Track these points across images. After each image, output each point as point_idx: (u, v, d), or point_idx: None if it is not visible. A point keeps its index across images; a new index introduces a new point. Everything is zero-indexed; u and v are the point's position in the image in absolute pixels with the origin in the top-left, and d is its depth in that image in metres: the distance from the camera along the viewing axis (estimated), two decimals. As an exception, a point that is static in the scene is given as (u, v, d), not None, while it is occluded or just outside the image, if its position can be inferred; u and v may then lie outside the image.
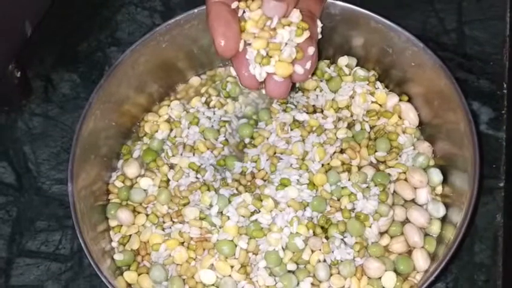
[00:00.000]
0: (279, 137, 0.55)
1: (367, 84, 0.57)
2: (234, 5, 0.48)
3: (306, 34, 0.49)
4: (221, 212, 0.52)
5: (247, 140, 0.56)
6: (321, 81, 0.58)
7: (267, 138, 0.56)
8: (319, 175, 0.53)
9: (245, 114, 0.57)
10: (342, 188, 0.53)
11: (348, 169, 0.54)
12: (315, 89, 0.58)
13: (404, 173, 0.55)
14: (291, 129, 0.55)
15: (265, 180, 0.54)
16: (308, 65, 0.49)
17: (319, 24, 0.51)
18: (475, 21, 0.64)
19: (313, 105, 0.57)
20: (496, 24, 0.64)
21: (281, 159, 0.54)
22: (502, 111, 0.60)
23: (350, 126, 0.56)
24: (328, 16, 0.55)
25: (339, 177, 0.53)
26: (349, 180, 0.53)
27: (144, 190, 0.55)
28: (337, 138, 0.55)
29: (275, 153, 0.55)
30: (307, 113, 0.56)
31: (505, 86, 0.61)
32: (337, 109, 0.57)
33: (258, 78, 0.49)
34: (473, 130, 0.51)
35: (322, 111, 0.57)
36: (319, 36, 0.51)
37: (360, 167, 0.55)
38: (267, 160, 0.54)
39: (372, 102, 0.57)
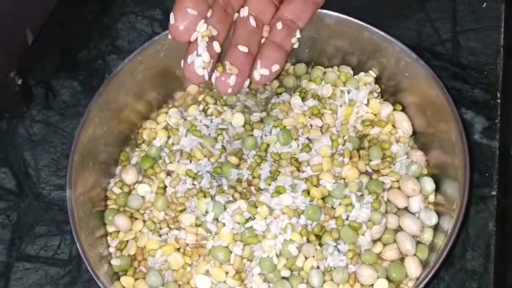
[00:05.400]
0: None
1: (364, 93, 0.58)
2: None
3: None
4: (217, 219, 0.53)
5: (247, 151, 0.57)
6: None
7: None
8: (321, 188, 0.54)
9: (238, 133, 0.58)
10: (343, 198, 0.54)
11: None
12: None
13: (398, 181, 0.55)
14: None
15: (261, 189, 0.54)
16: (271, 70, 0.52)
17: (298, 35, 0.53)
18: (470, 31, 0.65)
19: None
20: (490, 34, 0.64)
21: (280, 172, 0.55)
22: (495, 120, 0.61)
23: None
24: (323, 26, 0.56)
25: (344, 190, 0.54)
26: (346, 187, 0.54)
27: (142, 196, 0.56)
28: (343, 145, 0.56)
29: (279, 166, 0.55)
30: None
31: (498, 95, 0.62)
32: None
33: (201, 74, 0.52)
34: (465, 140, 0.52)
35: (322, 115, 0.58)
36: (295, 46, 0.53)
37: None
38: (269, 171, 0.55)
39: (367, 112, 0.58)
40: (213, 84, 0.53)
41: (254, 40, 0.53)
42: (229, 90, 0.53)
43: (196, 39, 0.52)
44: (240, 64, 0.52)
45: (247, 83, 0.54)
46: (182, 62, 0.52)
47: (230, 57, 0.52)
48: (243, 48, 0.52)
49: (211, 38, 0.52)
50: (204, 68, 0.52)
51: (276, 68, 0.53)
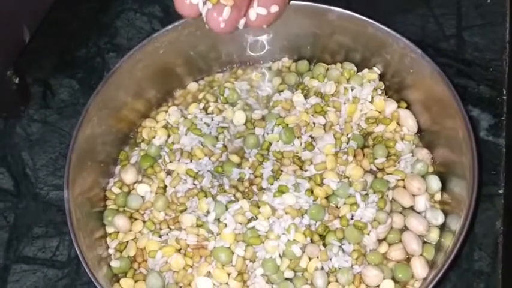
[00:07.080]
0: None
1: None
2: None
3: None
4: (218, 219, 0.52)
5: (248, 150, 0.56)
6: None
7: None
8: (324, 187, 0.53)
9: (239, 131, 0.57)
10: (347, 197, 0.53)
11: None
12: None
13: (403, 180, 0.54)
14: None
15: (263, 188, 0.53)
16: (269, 11, 0.47)
17: None
18: (475, 27, 0.64)
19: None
20: (495, 30, 0.63)
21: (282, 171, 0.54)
22: (501, 117, 0.60)
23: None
24: (325, 22, 0.55)
25: (348, 189, 0.53)
26: (350, 186, 0.53)
27: (142, 196, 0.55)
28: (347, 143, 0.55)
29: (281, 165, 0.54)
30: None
31: (504, 92, 0.61)
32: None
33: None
34: (472, 137, 0.51)
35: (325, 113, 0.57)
36: None
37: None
38: (271, 170, 0.54)
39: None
40: (204, 18, 0.46)
41: None
42: (222, 25, 0.46)
43: None
44: None
45: (242, 21, 0.47)
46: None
47: None
48: None
49: None
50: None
51: (275, 8, 0.47)
